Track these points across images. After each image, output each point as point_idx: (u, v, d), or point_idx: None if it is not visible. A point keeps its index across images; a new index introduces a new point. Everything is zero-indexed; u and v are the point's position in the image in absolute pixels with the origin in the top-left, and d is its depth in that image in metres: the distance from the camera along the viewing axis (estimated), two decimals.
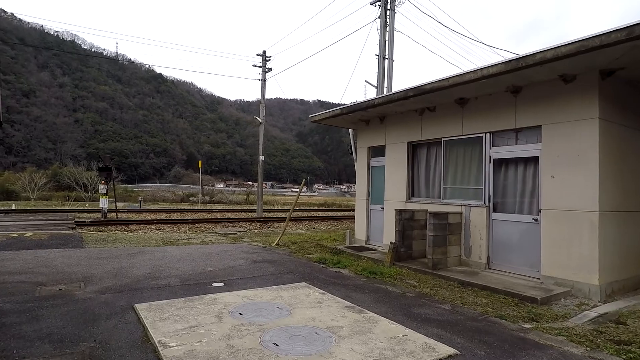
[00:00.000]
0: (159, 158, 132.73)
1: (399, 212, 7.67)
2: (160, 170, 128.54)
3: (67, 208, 21.28)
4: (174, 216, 18.92)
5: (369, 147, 10.25)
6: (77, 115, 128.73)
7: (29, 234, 10.16)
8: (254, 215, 21.02)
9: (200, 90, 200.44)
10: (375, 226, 9.77)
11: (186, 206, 30.23)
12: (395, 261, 7.38)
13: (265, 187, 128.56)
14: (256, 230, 13.89)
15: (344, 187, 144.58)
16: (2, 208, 19.73)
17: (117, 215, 16.95)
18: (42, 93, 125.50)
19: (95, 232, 11.33)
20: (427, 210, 7.62)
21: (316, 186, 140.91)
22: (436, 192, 8.26)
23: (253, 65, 19.70)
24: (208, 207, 29.04)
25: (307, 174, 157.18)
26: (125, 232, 12.03)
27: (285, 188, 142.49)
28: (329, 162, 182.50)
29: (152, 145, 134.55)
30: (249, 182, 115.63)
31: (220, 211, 22.04)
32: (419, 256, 7.75)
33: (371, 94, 18.14)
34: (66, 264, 6.74)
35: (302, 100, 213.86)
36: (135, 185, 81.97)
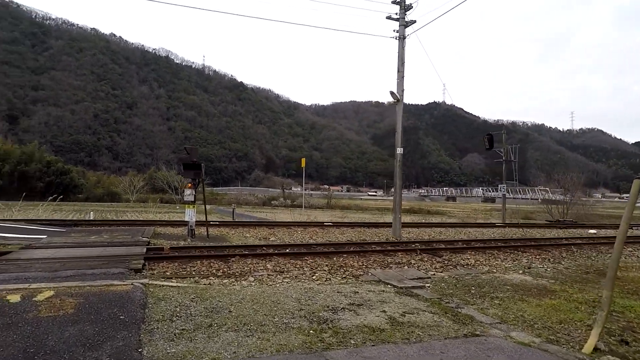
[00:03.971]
0: (241, 162, 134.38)
1: None
2: (242, 173, 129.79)
3: (150, 219, 16.76)
4: (282, 234, 13.17)
5: None
6: (170, 124, 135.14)
7: (45, 293, 4.73)
8: (387, 233, 14.50)
9: (277, 97, 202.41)
10: None
11: (285, 214, 24.80)
12: None
13: (340, 191, 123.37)
14: (447, 276, 7.29)
15: (423, 190, 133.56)
16: (74, 218, 15.76)
17: (207, 231, 11.54)
18: (142, 104, 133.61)
19: (172, 285, 5.56)
20: None
21: (393, 190, 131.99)
22: None
23: (387, 18, 13.33)
24: (308, 214, 23.31)
25: (383, 177, 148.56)
26: (226, 281, 6.17)
27: (361, 192, 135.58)
28: (405, 164, 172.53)
29: (234, 150, 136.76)
30: (325, 186, 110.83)
31: (338, 226, 15.91)
32: None
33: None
34: None
35: (377, 102, 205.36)
36: (219, 188, 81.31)
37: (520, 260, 9.22)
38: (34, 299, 4.52)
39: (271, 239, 12.46)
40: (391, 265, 7.93)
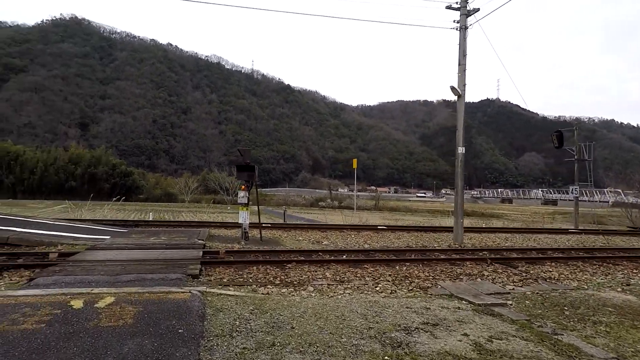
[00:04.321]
0: (288, 164, 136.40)
1: None
2: (289, 175, 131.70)
3: (204, 220, 17.09)
4: (336, 238, 12.71)
5: None
6: (221, 127, 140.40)
7: (106, 299, 4.65)
8: (447, 238, 13.53)
9: (324, 98, 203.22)
10: None
11: (335, 216, 24.39)
12: None
13: (388, 192, 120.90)
14: (530, 291, 6.33)
15: (475, 192, 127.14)
16: (135, 218, 16.42)
17: (261, 234, 11.36)
18: (196, 109, 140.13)
19: (230, 294, 5.26)
20: None
21: (443, 191, 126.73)
22: None
23: (447, 8, 12.41)
24: (359, 216, 22.69)
25: (432, 178, 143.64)
26: (284, 290, 5.77)
27: (409, 193, 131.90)
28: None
29: (282, 152, 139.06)
30: (372, 187, 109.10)
31: (392, 229, 15.13)
32: None
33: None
34: None
35: (425, 101, 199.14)
36: (267, 189, 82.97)
37: (614, 275, 7.97)
38: (95, 305, 4.39)
39: (324, 242, 12.04)
40: (461, 277, 7.13)
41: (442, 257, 8.90)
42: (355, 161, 18.78)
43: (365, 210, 35.28)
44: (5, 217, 11.54)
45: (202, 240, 9.84)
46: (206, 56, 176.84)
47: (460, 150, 12.44)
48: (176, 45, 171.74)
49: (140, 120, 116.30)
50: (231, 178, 60.81)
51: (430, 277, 7.02)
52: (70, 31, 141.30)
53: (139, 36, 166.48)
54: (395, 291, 6.18)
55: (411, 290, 6.31)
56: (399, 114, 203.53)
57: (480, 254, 9.38)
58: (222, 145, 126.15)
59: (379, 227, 15.75)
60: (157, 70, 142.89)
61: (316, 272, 7.04)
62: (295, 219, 22.02)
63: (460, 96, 12.28)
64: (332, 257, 8.28)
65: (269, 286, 6.03)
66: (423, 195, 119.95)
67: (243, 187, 11.12)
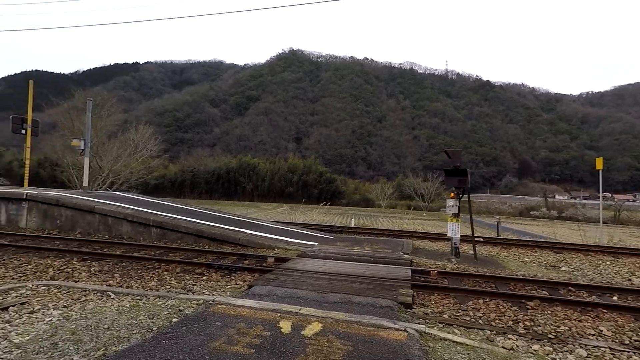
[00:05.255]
0: (489, 167, 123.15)
1: None
2: (490, 180, 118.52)
3: (404, 228, 16.18)
4: (580, 263, 9.44)
5: None
6: (415, 133, 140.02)
7: (314, 325, 4.03)
8: None
9: (532, 90, 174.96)
10: None
11: (558, 229, 19.48)
12: None
13: (632, 200, 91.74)
14: None
15: None
16: (338, 222, 16.93)
17: (475, 251, 9.44)
18: (390, 117, 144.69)
19: (458, 341, 3.81)
20: None
21: None
22: None
23: None
24: (608, 233, 17.07)
25: None
26: (537, 347, 3.91)
27: None
28: None
29: (481, 155, 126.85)
30: (606, 194, 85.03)
31: None
32: None
33: None
34: None
35: None
36: (465, 195, 76.44)
37: None
38: (302, 332, 3.82)
39: (563, 269, 9.07)
40: None
41: None
42: (599, 161, 14.14)
43: (592, 223, 27.24)
44: (240, 219, 13.65)
45: (407, 254, 8.78)
46: (399, 64, 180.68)
47: None
48: (371, 59, 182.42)
49: (341, 132, 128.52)
50: (426, 184, 59.10)
51: None
52: (289, 62, 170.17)
53: (339, 56, 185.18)
54: None
55: None
56: None
57: None
58: (416, 151, 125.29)
59: None
60: (355, 84, 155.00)
61: (580, 321, 4.80)
62: (505, 230, 18.54)
63: None
64: (598, 299, 5.70)
65: (509, 335, 4.30)
66: None
67: (452, 194, 9.51)
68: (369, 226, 18.26)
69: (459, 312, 4.97)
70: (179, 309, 4.26)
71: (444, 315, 4.84)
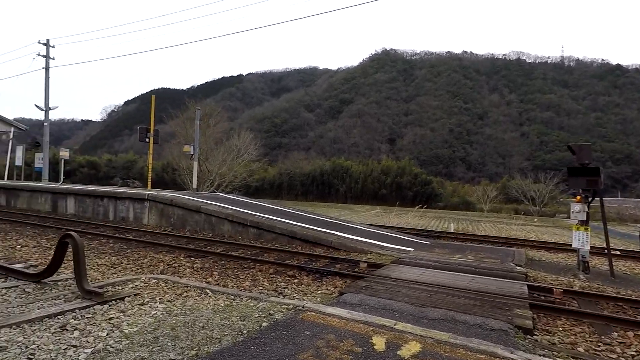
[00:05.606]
0: (619, 166, 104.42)
1: None
2: (622, 181, 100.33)
3: (513, 235, 14.33)
4: None
5: None
6: (522, 129, 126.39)
7: (411, 345, 3.58)
8: None
9: None
10: None
11: None
12: None
13: None
14: None
15: None
16: (435, 226, 15.68)
17: (611, 267, 7.76)
18: (493, 113, 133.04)
19: None
20: None
21: None
22: None
23: None
24: None
25: None
26: None
27: None
28: None
29: (609, 152, 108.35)
30: None
31: None
32: None
33: None
34: None
35: None
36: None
37: None
38: (398, 352, 3.38)
39: None
40: None
41: None
42: None
43: None
44: (333, 221, 13.59)
45: (520, 266, 7.61)
46: (503, 55, 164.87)
47: None
48: (471, 52, 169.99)
49: (437, 131, 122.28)
50: (537, 185, 52.43)
51: None
52: (382, 62, 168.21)
53: (435, 52, 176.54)
54: None
55: None
56: None
57: None
58: (524, 149, 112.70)
59: None
60: (452, 80, 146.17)
61: None
62: None
63: None
64: None
65: None
66: None
67: (578, 197, 7.98)
68: (470, 232, 16.69)
69: (599, 346, 3.97)
70: (269, 313, 4.18)
71: (579, 349, 3.90)
